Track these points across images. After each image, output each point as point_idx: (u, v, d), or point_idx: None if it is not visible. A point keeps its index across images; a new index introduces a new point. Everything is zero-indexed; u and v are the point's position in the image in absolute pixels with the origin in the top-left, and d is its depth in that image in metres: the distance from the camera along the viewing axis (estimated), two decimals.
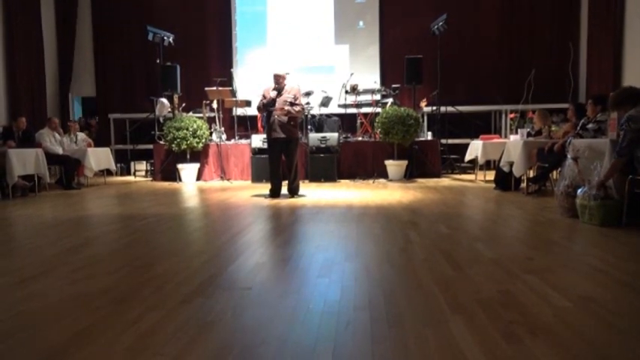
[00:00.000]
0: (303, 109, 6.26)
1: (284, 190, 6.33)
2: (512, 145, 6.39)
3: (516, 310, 2.11)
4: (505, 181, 6.56)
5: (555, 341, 1.80)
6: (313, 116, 9.58)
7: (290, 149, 6.18)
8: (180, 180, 8.88)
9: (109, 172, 9.45)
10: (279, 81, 6.10)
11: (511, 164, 6.31)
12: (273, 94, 6.07)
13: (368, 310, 2.15)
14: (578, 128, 5.24)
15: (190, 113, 9.52)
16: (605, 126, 4.77)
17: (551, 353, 1.70)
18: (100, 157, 8.65)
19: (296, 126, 6.26)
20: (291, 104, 6.04)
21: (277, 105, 6.02)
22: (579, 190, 4.15)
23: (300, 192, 6.41)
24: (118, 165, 10.73)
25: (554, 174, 6.05)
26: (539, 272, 2.67)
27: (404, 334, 1.89)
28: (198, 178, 9.08)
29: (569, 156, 4.47)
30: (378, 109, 9.29)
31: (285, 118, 6.04)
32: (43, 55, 10.66)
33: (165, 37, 9.88)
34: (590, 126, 5.07)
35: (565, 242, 3.63)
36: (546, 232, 3.93)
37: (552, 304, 2.18)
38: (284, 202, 5.90)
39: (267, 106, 6.14)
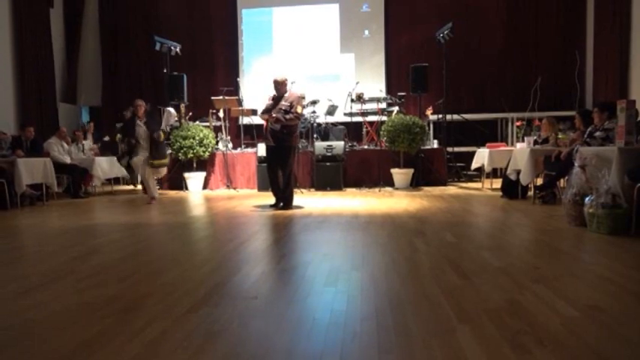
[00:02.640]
0: (297, 117, 5.90)
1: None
2: (519, 153, 6.37)
3: (524, 319, 2.10)
4: (512, 189, 6.53)
5: (563, 352, 1.78)
6: (319, 125, 9.61)
7: (281, 157, 5.91)
8: (186, 189, 8.92)
9: (116, 181, 9.51)
10: (277, 87, 5.93)
11: (518, 172, 6.29)
12: (271, 102, 5.98)
13: (374, 319, 2.14)
14: (585, 136, 5.21)
15: (197, 122, 9.61)
16: (612, 134, 4.74)
17: None
18: (107, 167, 8.71)
19: (291, 134, 5.92)
20: (286, 112, 5.81)
21: (273, 112, 5.85)
22: (587, 199, 4.12)
23: (302, 202, 6.31)
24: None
25: (562, 182, 6.02)
26: (547, 281, 2.65)
27: (410, 343, 1.88)
28: (205, 186, 9.11)
29: (576, 164, 4.44)
30: (384, 118, 9.30)
31: (277, 126, 5.83)
32: (53, 66, 10.77)
33: (172, 47, 9.98)
34: (597, 134, 5.04)
35: (573, 251, 3.61)
36: (554, 241, 3.90)
37: (560, 313, 2.16)
38: (289, 211, 5.89)
39: (263, 113, 6.04)
